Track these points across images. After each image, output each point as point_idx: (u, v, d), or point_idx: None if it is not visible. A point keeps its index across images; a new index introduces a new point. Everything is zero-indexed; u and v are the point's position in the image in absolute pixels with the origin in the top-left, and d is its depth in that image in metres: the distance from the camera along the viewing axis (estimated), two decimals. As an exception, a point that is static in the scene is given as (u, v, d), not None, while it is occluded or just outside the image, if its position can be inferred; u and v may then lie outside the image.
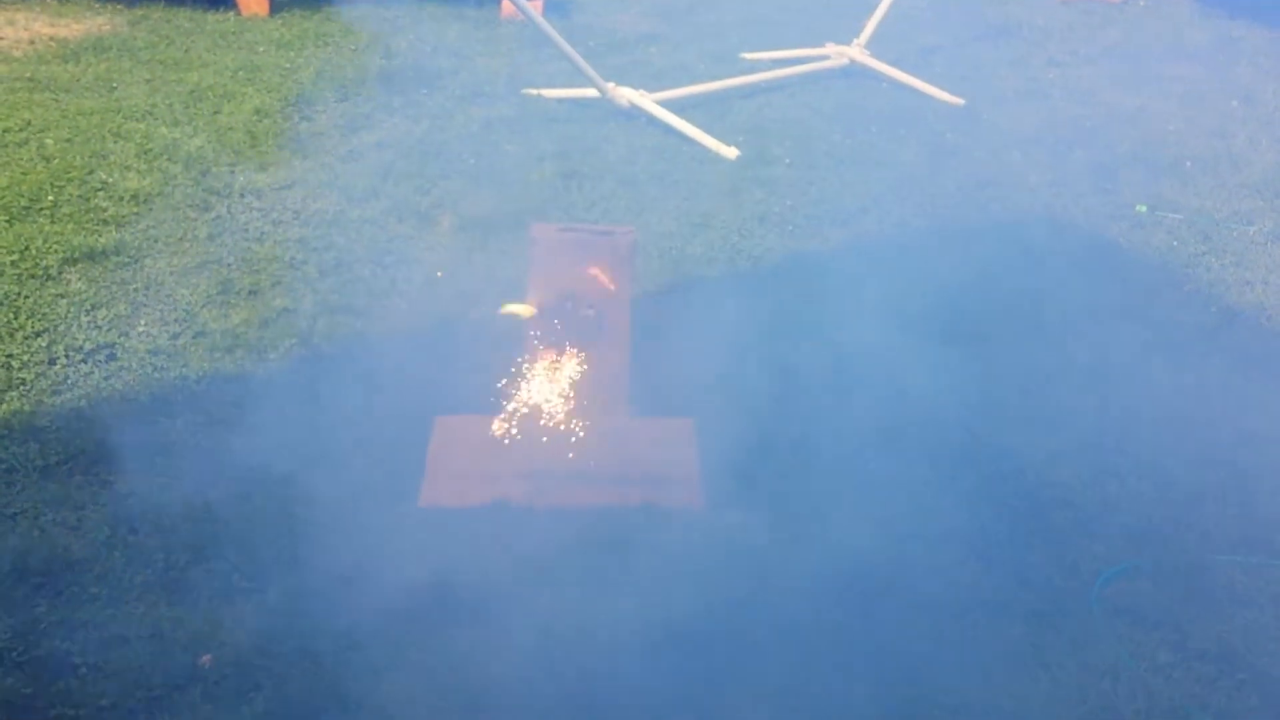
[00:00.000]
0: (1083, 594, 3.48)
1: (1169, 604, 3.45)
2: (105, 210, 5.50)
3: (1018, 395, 4.46)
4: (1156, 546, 3.69)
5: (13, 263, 4.95)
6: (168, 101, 6.91)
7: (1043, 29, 9.66)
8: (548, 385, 3.74)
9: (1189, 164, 6.78)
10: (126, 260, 5.07)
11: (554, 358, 3.70)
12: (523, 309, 3.71)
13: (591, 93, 7.06)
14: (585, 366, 3.71)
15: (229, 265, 5.09)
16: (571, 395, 3.74)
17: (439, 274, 4.89)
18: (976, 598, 3.43)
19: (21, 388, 4.16)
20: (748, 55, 8.52)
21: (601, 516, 3.68)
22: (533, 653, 3.15)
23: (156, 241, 5.25)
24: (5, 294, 4.72)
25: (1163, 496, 3.94)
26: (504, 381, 3.94)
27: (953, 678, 3.15)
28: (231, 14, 8.70)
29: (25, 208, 5.47)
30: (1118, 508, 3.86)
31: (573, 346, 3.68)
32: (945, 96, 7.75)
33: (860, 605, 3.37)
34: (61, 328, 4.53)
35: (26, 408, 4.06)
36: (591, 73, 6.78)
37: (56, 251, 5.08)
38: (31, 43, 7.84)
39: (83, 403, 4.10)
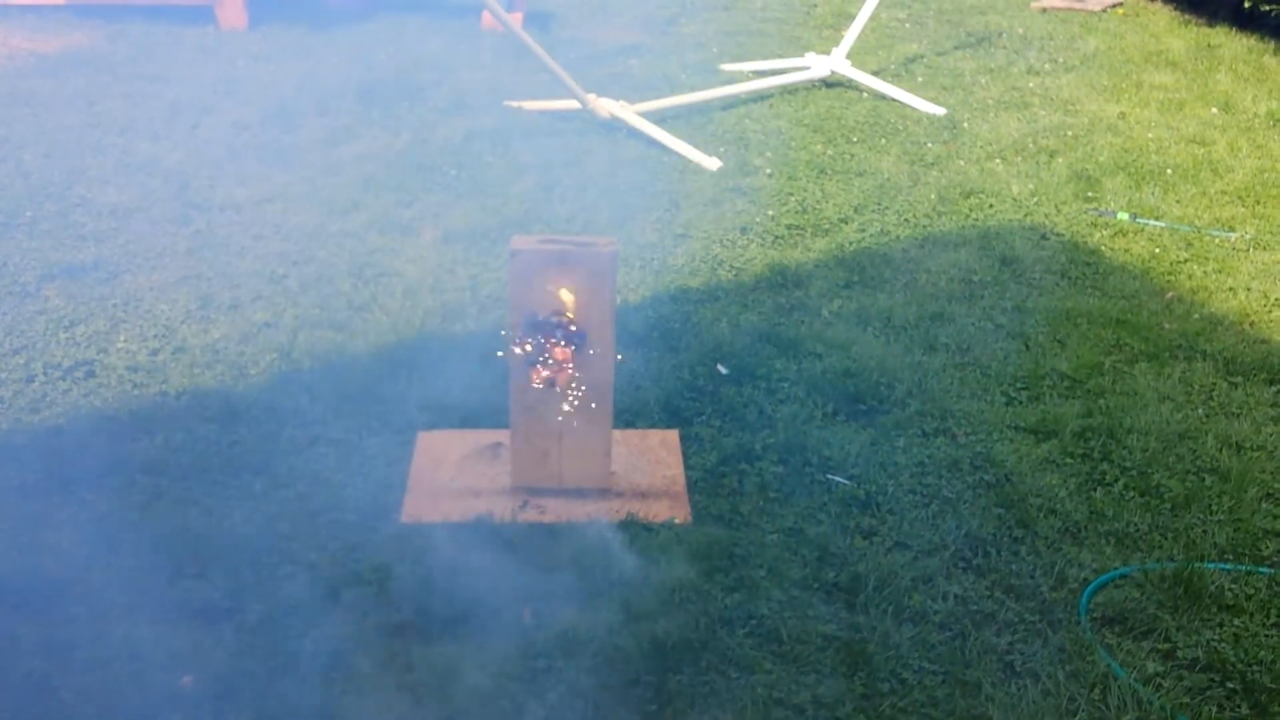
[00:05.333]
0: (1071, 603, 3.46)
1: (1158, 612, 3.43)
2: (84, 225, 5.46)
3: (1002, 402, 4.45)
4: (1144, 554, 3.68)
5: (-10, 280, 4.92)
6: (147, 116, 6.87)
7: (1022, 37, 9.70)
8: (531, 398, 3.71)
9: (1170, 171, 6.79)
10: (105, 276, 5.03)
11: (537, 371, 3.67)
12: None
13: (573, 104, 7.05)
14: (568, 379, 3.68)
15: (209, 280, 5.05)
16: (554, 408, 3.72)
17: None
18: (964, 607, 3.42)
19: (-1, 406, 4.12)
20: (727, 67, 8.52)
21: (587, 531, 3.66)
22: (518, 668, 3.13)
23: (136, 257, 5.21)
24: (-18, 311, 4.68)
25: (1149, 504, 3.93)
26: (487, 396, 3.92)
27: (940, 689, 3.13)
28: (210, 28, 8.67)
29: (3, 224, 5.43)
30: (1104, 515, 3.85)
31: (555, 359, 3.65)
32: (926, 106, 7.76)
33: (845, 609, 3.36)
34: (40, 345, 4.48)
35: (4, 426, 4.01)
36: (573, 84, 6.77)
37: (34, 267, 5.04)
38: (10, 58, 7.80)
39: (61, 421, 4.06)
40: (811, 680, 3.14)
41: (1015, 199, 6.39)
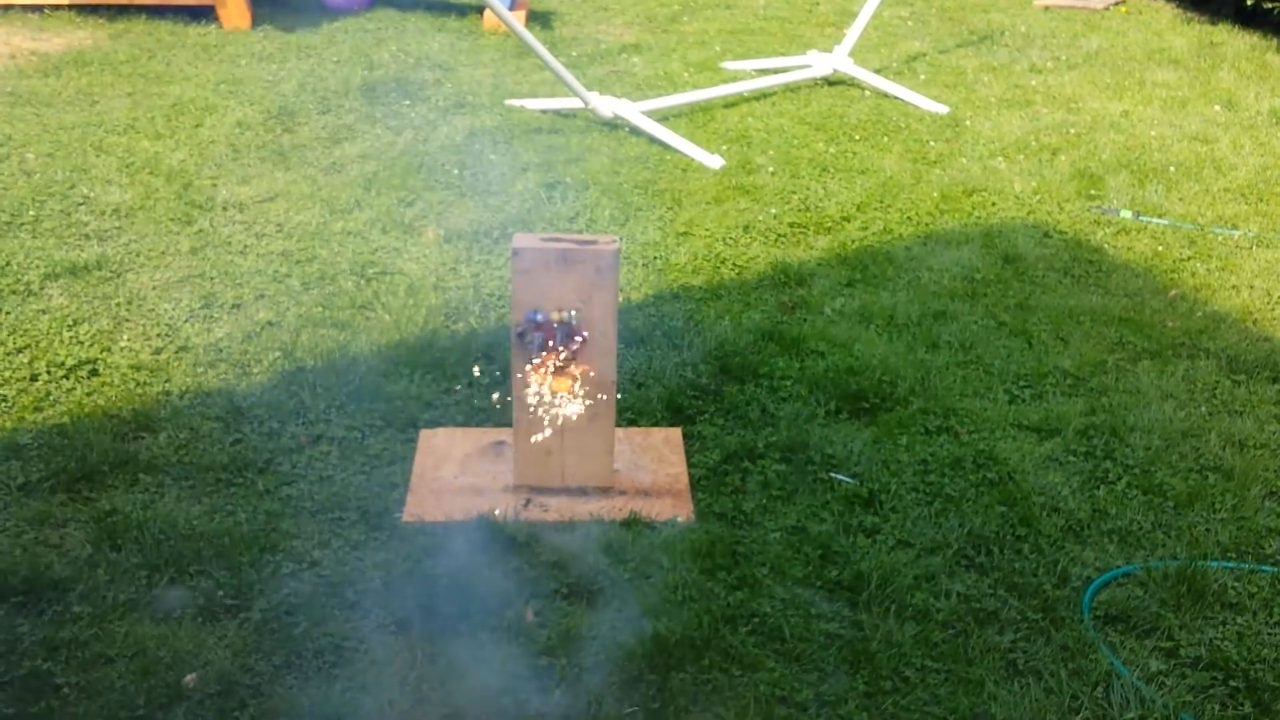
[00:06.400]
0: (1073, 601, 3.46)
1: (1161, 611, 3.43)
2: (87, 225, 5.47)
3: (1004, 400, 4.45)
4: (1147, 552, 3.68)
5: (-7, 278, 4.92)
6: (149, 115, 6.87)
7: (1025, 35, 9.69)
8: (533, 397, 3.71)
9: (1173, 169, 6.79)
10: (108, 275, 5.03)
11: (539, 369, 3.67)
12: None
13: (575, 103, 7.05)
14: (571, 377, 3.69)
15: (212, 279, 5.05)
16: (557, 406, 3.72)
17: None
18: (966, 605, 3.42)
19: (2, 404, 4.12)
20: (730, 65, 8.51)
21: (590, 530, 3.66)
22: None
23: (139, 255, 5.22)
24: (-15, 310, 4.68)
25: (1152, 502, 3.93)
26: (488, 394, 3.92)
27: (942, 687, 3.13)
28: (213, 27, 8.67)
29: (6, 223, 5.43)
30: (1107, 513, 3.85)
31: (557, 357, 3.65)
32: (928, 104, 7.76)
33: (848, 607, 3.36)
34: (43, 343, 4.49)
35: (8, 424, 4.02)
36: (575, 83, 6.76)
37: (38, 267, 5.04)
38: (12, 57, 7.80)
39: (65, 419, 4.06)
40: (814, 678, 3.14)
41: (1018, 197, 6.38)
